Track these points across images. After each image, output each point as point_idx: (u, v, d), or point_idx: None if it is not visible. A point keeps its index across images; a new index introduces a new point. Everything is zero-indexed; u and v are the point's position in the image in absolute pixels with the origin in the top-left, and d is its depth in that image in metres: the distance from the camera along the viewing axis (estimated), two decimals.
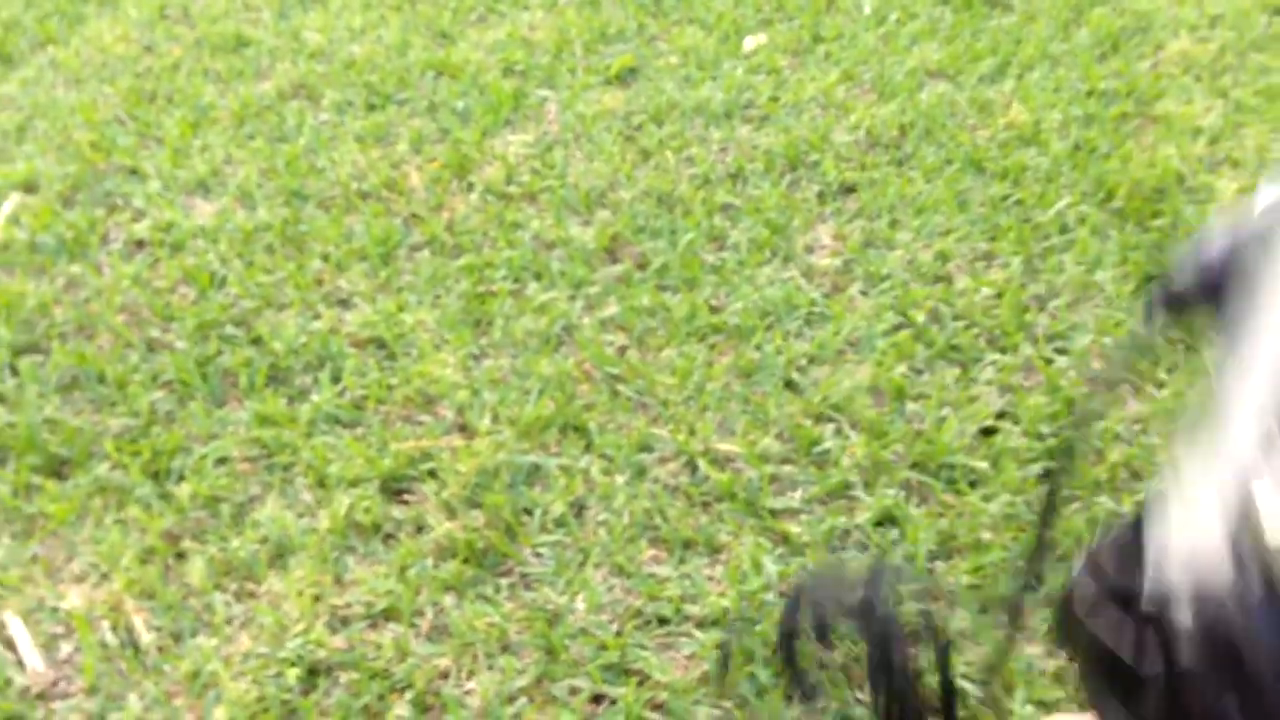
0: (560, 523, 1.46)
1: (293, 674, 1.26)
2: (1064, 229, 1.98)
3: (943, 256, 1.95)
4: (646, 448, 1.56)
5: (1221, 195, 2.04)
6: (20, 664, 1.27)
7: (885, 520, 1.46)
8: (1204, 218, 1.99)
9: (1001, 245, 1.97)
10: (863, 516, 1.46)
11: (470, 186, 2.12)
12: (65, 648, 1.30)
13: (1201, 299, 0.45)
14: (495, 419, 1.60)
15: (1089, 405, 0.47)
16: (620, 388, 1.67)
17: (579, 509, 1.48)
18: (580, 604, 1.36)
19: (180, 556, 1.40)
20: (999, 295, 1.85)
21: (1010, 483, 1.51)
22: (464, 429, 1.60)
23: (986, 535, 1.44)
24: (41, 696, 1.24)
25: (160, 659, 1.28)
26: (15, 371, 1.67)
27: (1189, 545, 0.45)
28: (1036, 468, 1.54)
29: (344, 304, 1.84)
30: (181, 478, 1.51)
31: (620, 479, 1.51)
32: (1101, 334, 1.77)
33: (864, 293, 1.87)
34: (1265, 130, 2.23)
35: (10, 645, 1.29)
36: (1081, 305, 1.84)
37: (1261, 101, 2.32)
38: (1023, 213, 2.03)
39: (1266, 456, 0.42)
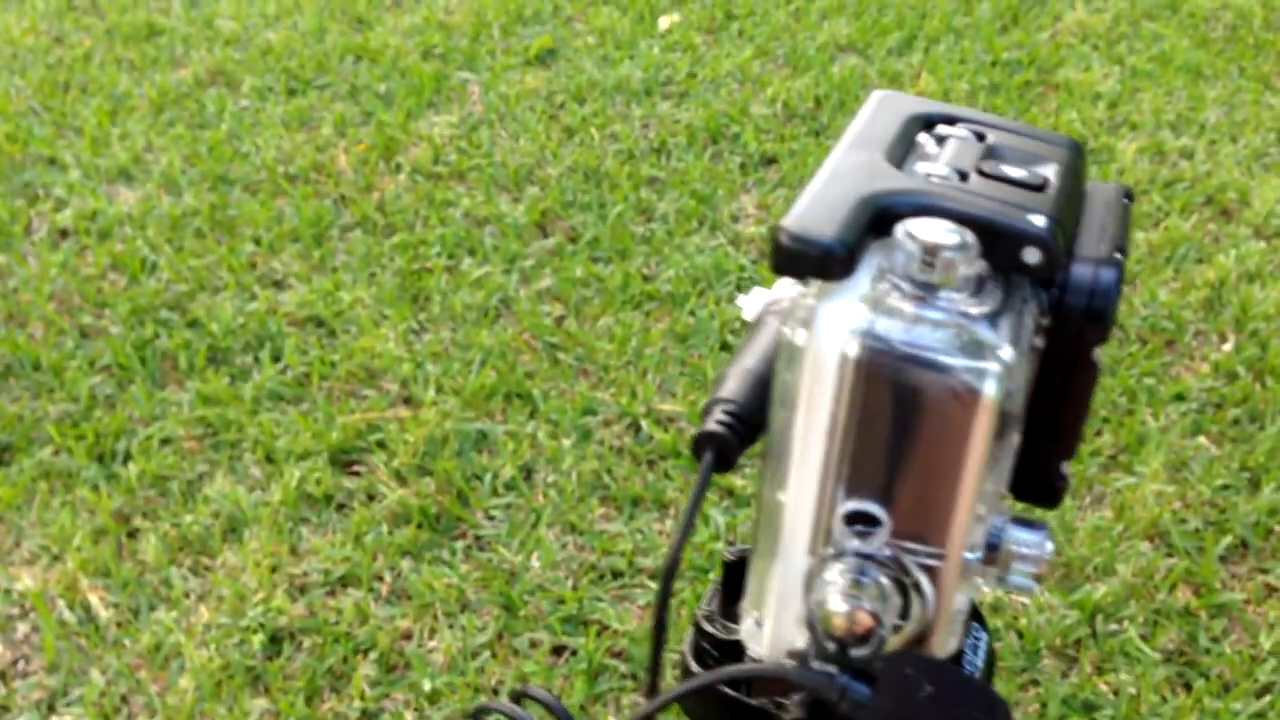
0: (511, 486, 1.49)
1: (256, 641, 1.27)
2: None
3: None
4: (590, 411, 1.60)
5: (1122, 156, 2.14)
6: None
7: None
8: (1105, 178, 2.08)
9: None
10: None
11: (398, 167, 2.13)
12: (21, 628, 1.30)
13: (745, 436, 0.47)
14: (440, 390, 1.63)
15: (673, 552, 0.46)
16: (561, 355, 1.70)
17: (528, 472, 1.52)
18: (535, 562, 1.40)
19: (132, 535, 1.41)
20: None
21: None
22: (409, 401, 1.62)
23: None
24: (1, 676, 1.24)
25: (120, 634, 1.29)
26: None
27: (772, 634, 0.47)
28: None
29: (279, 285, 1.85)
30: (128, 458, 1.51)
31: (567, 442, 1.55)
32: None
33: None
34: (1160, 94, 2.34)
35: None
36: None
37: (1155, 67, 2.43)
38: None
39: (822, 570, 0.44)
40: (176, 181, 2.08)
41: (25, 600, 1.33)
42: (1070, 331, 0.44)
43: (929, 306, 0.40)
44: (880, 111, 0.50)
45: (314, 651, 1.28)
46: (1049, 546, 0.46)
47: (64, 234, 1.96)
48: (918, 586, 0.42)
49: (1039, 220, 0.42)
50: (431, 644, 1.31)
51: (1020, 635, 1.32)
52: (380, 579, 1.37)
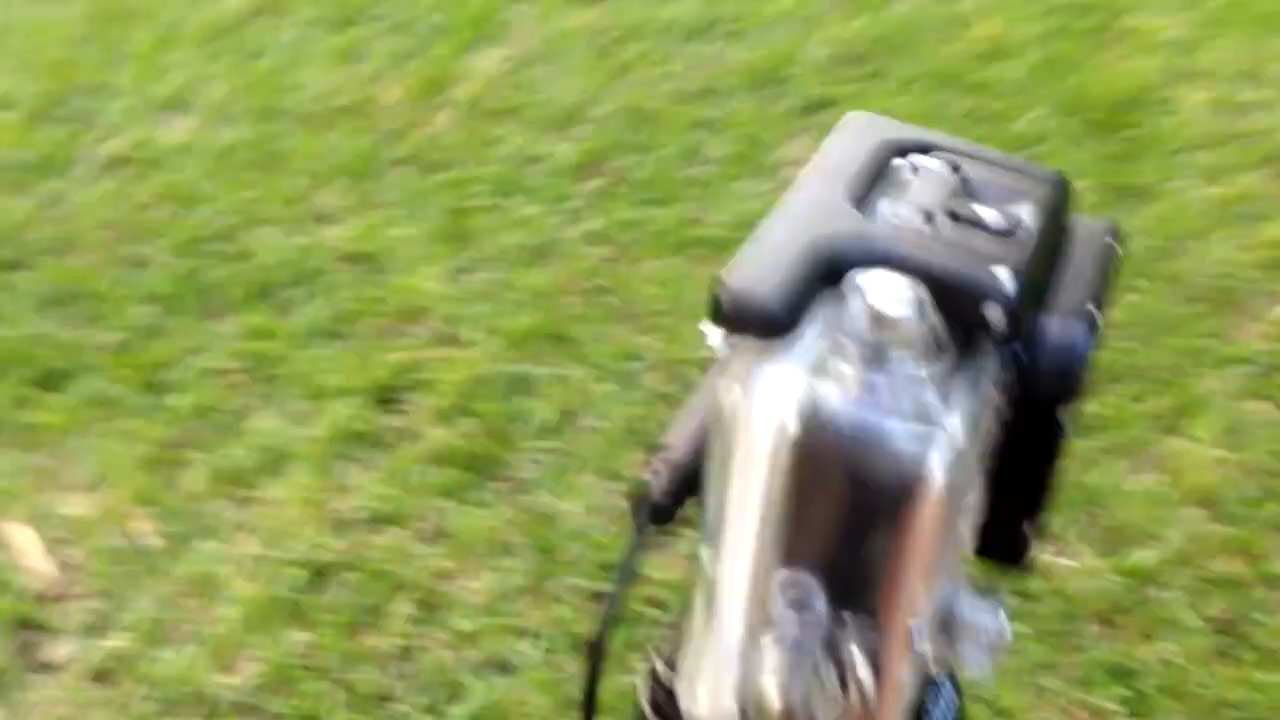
0: (551, 430, 1.49)
1: (298, 574, 1.29)
2: (1040, 139, 2.01)
3: None
4: (633, 356, 1.59)
5: (1192, 106, 2.08)
6: (29, 570, 1.28)
7: None
8: (1175, 129, 2.03)
9: None
10: None
11: (446, 103, 2.12)
12: (72, 553, 1.32)
13: (683, 499, 0.44)
14: (483, 330, 1.62)
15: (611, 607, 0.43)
16: (605, 299, 1.69)
17: (569, 416, 1.51)
18: (574, 507, 1.40)
19: (180, 465, 1.42)
20: None
21: None
22: (452, 340, 1.62)
23: None
24: (53, 599, 1.26)
25: (167, 562, 1.30)
26: (1, 286, 1.66)
27: (709, 702, 0.44)
28: None
29: (326, 220, 1.84)
30: (175, 389, 1.52)
31: (609, 387, 1.54)
32: None
33: None
34: (1235, 41, 2.27)
35: (18, 552, 1.30)
36: None
37: (1231, 13, 2.35)
38: (995, 125, 2.06)
39: (756, 641, 0.41)
40: (225, 112, 2.07)
41: (76, 526, 1.35)
42: (1037, 389, 0.40)
43: (876, 371, 0.37)
44: (850, 137, 0.46)
45: (354, 587, 1.29)
46: (1005, 629, 0.42)
47: (115, 162, 1.97)
48: (854, 665, 0.40)
49: (1003, 275, 0.38)
50: (470, 584, 1.31)
51: (1065, 600, 1.31)
52: (420, 518, 1.37)
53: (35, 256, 1.72)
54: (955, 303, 0.38)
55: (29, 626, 1.23)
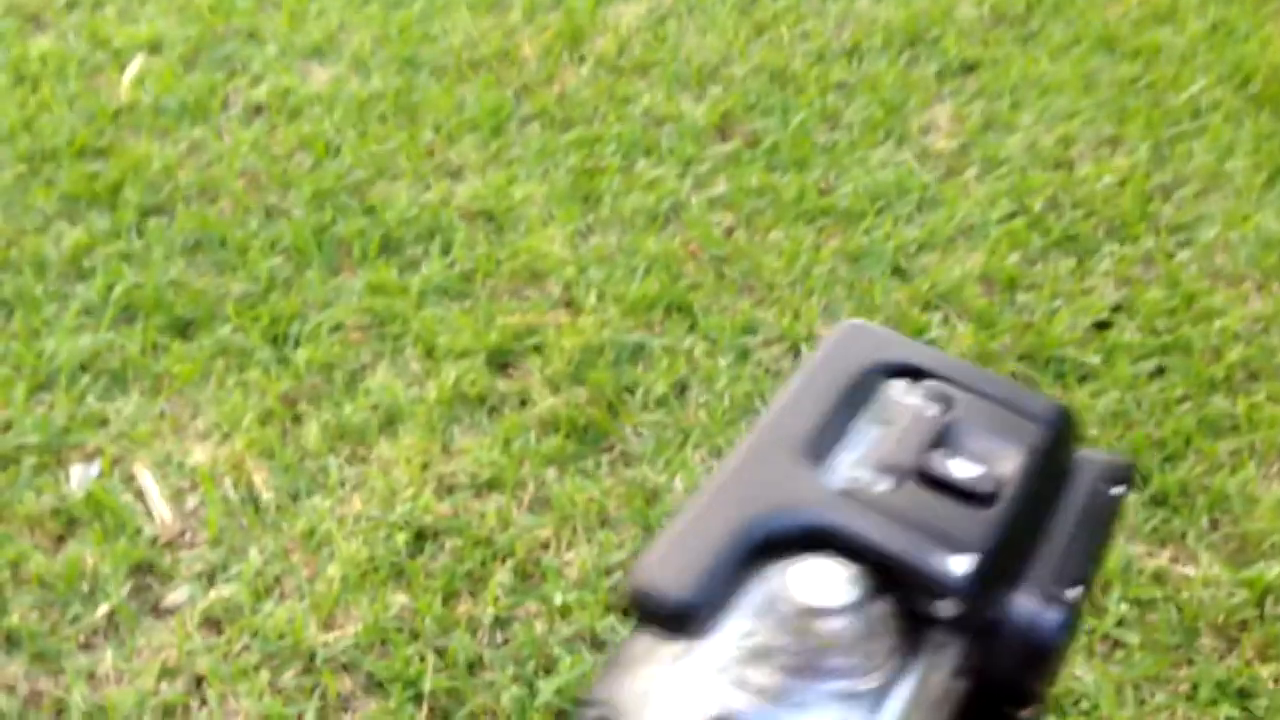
0: (662, 402, 1.48)
1: (401, 537, 1.31)
2: (1196, 114, 1.90)
3: (1065, 141, 1.89)
4: (750, 330, 1.57)
5: None
6: (150, 515, 1.34)
7: None
8: None
9: (1129, 130, 1.90)
10: None
11: (582, 58, 2.10)
12: (191, 500, 1.37)
13: None
14: (601, 296, 1.62)
15: None
16: (726, 269, 1.67)
17: (681, 389, 1.50)
18: (679, 483, 1.39)
19: (297, 420, 1.46)
20: (1122, 183, 1.80)
21: (1122, 379, 1.49)
22: (570, 305, 1.62)
23: (1093, 431, 1.43)
24: (170, 545, 1.31)
25: (278, 516, 1.34)
26: (142, 233, 1.72)
27: None
28: (1150, 364, 1.51)
29: (454, 176, 1.86)
30: (298, 343, 1.56)
31: (723, 361, 1.52)
32: (1229, 227, 1.72)
33: (980, 177, 1.83)
34: None
35: (140, 497, 1.36)
36: (1209, 195, 1.78)
37: None
38: (1153, 96, 1.96)
39: None
40: (366, 63, 2.10)
41: (196, 474, 1.40)
42: (998, 678, 0.35)
43: (802, 679, 0.32)
44: (835, 358, 0.40)
45: (455, 553, 1.31)
46: None
47: (258, 110, 2.01)
48: None
49: (960, 565, 0.33)
50: (568, 556, 1.32)
51: (1180, 610, 1.25)
52: (524, 486, 1.38)
53: (175, 204, 1.77)
54: (905, 590, 0.33)
55: (147, 571, 1.28)
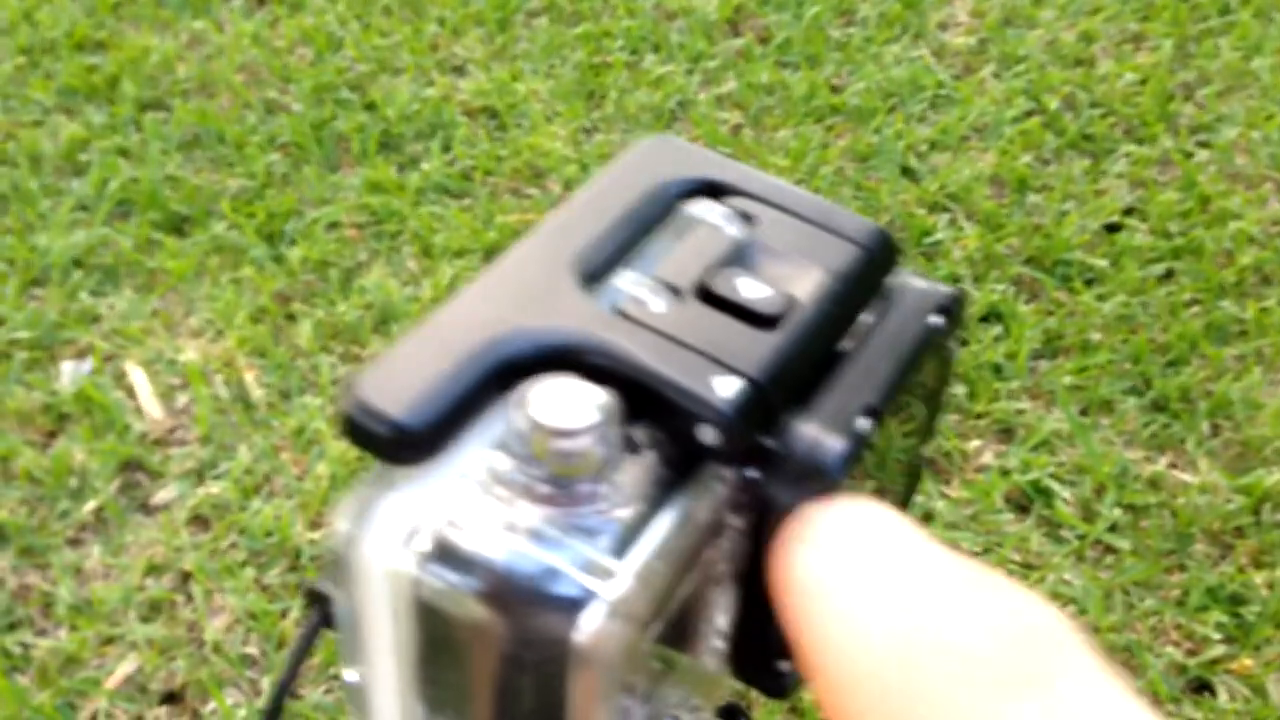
0: None
1: None
2: (1225, 9, 1.83)
3: (1087, 37, 1.82)
4: None
5: None
6: (140, 411, 1.34)
7: (991, 316, 1.42)
8: None
9: (1154, 26, 1.83)
10: (968, 311, 1.42)
11: None
12: (182, 398, 1.37)
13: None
14: None
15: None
16: None
17: None
18: None
19: (290, 318, 1.45)
20: (1143, 81, 1.74)
21: (1130, 282, 1.45)
22: None
23: (1096, 336, 1.39)
24: (159, 442, 1.32)
25: (269, 414, 1.34)
26: (139, 127, 1.70)
27: None
28: (1159, 268, 1.47)
29: (458, 71, 1.82)
30: (294, 241, 1.54)
31: None
32: (1251, 127, 1.66)
33: (997, 75, 1.77)
34: None
35: (131, 393, 1.36)
36: (1233, 95, 1.72)
37: None
38: None
39: None
40: None
41: (187, 372, 1.39)
42: (775, 513, 0.31)
43: (542, 506, 0.29)
44: (633, 169, 0.36)
45: None
46: None
47: (260, 2, 1.97)
48: None
49: (727, 388, 0.30)
50: None
51: (1174, 516, 1.23)
52: None
53: (174, 98, 1.75)
54: (667, 417, 0.30)
55: (136, 468, 1.29)
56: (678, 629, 0.32)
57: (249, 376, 1.38)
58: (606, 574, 0.28)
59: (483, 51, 1.84)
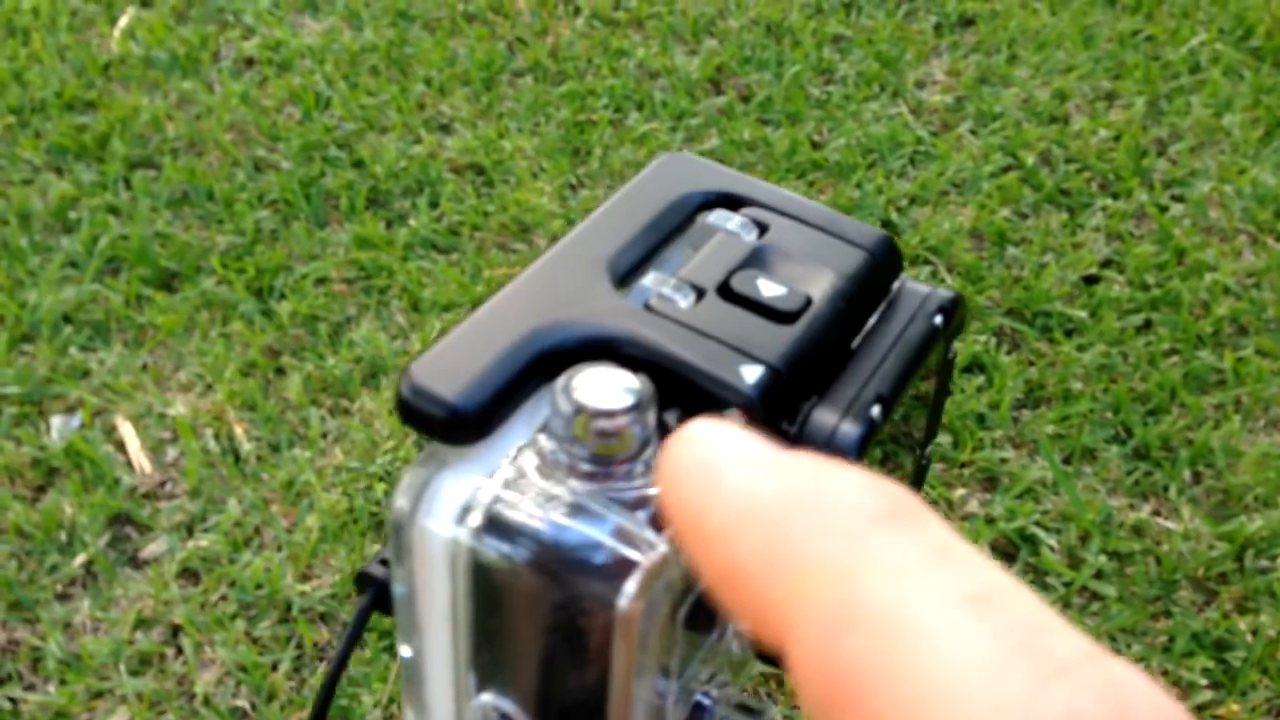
0: None
1: (381, 488, 1.31)
2: (1195, 68, 1.88)
3: (1061, 95, 1.87)
4: None
5: None
6: (129, 465, 1.34)
7: (973, 366, 1.44)
8: None
9: (1126, 84, 1.88)
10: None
11: (577, 10, 2.08)
12: (171, 452, 1.37)
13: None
14: None
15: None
16: None
17: None
18: None
19: (280, 372, 1.46)
20: (1117, 137, 1.78)
21: (1109, 332, 1.47)
22: None
23: (1077, 385, 1.42)
24: (149, 496, 1.32)
25: (258, 467, 1.34)
26: (129, 185, 1.72)
27: None
28: (1137, 319, 1.50)
29: (445, 129, 1.85)
30: (283, 296, 1.55)
31: None
32: (1223, 181, 1.70)
33: (974, 132, 1.81)
34: None
35: (121, 447, 1.36)
36: (1205, 150, 1.76)
37: None
38: (1153, 49, 1.93)
39: None
40: (359, 14, 2.08)
41: (177, 426, 1.40)
42: None
43: (579, 483, 0.31)
44: (654, 181, 0.39)
45: None
46: None
47: (249, 63, 2.00)
48: None
49: (752, 375, 0.33)
50: None
51: (1159, 562, 1.25)
52: None
53: (163, 156, 1.76)
54: (697, 403, 0.33)
55: (125, 521, 1.29)
56: (705, 610, 0.34)
57: (238, 430, 1.38)
58: (647, 545, 0.30)
59: (469, 110, 1.87)
